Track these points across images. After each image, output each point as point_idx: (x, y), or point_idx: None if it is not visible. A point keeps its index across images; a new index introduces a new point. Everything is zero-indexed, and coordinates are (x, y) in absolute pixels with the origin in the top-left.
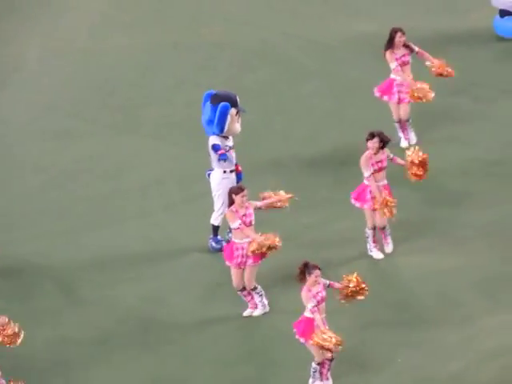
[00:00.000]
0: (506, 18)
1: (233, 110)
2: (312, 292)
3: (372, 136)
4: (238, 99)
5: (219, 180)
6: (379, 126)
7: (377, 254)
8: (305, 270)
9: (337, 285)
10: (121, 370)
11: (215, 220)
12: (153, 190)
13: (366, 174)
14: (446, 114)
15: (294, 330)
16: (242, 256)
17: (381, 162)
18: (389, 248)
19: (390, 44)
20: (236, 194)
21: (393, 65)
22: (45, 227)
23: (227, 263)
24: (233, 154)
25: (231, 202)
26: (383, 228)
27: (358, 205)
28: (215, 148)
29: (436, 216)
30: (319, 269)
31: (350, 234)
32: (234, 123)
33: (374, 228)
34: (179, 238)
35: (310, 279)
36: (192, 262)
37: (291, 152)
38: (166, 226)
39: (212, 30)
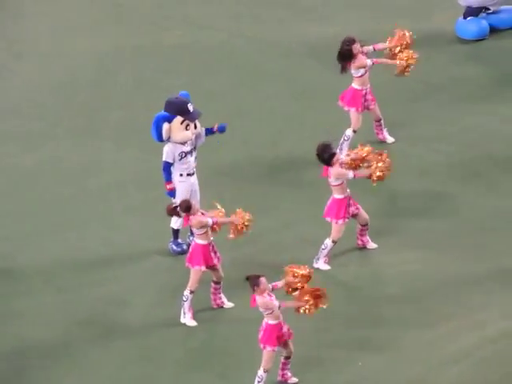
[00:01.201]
0: (468, 19)
1: (177, 119)
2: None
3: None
4: (190, 106)
5: (176, 183)
6: (339, 130)
7: (324, 266)
8: (250, 284)
9: (279, 284)
10: (83, 372)
11: (174, 223)
12: (114, 193)
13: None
14: (408, 117)
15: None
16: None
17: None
18: (372, 244)
19: (351, 57)
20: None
21: (358, 72)
22: (6, 230)
23: (196, 267)
24: (191, 158)
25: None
26: (366, 224)
27: (332, 220)
28: (164, 168)
29: (398, 218)
30: (262, 276)
31: (311, 237)
32: (180, 131)
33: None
34: (140, 241)
35: (260, 289)
36: (153, 265)
37: (251, 155)
38: (127, 229)
39: (172, 33)
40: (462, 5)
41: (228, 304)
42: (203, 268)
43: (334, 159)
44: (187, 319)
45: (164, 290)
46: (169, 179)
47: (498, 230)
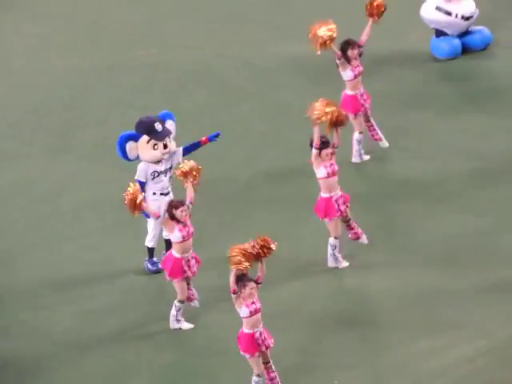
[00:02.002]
0: (441, 38)
1: (143, 138)
2: (246, 302)
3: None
4: (158, 125)
5: (149, 202)
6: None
7: (344, 263)
8: (239, 282)
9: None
10: None
11: (149, 242)
12: (89, 212)
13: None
14: (385, 136)
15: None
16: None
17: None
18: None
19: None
20: (176, 208)
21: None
22: None
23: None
24: (164, 178)
25: (171, 217)
26: (349, 220)
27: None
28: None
29: (373, 235)
30: (254, 281)
31: (287, 254)
32: (147, 151)
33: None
34: (115, 259)
35: (245, 292)
36: (128, 284)
37: (226, 173)
38: (102, 248)
39: (147, 52)
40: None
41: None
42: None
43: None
44: (183, 324)
45: (139, 309)
46: (143, 186)
47: (473, 247)
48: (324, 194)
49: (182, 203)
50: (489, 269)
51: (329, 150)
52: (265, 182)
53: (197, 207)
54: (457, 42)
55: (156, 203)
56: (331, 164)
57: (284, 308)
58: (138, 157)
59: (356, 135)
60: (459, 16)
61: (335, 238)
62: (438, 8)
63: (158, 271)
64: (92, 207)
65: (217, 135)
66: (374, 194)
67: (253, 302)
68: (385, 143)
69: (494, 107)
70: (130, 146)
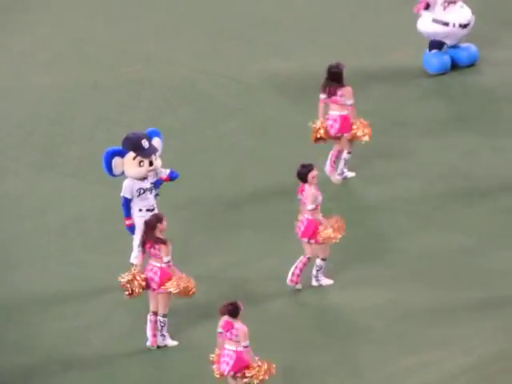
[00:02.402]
0: (433, 52)
1: (129, 154)
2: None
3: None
4: (145, 142)
5: (135, 218)
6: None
7: (328, 281)
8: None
9: None
10: None
11: (134, 259)
12: (74, 229)
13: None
14: (371, 153)
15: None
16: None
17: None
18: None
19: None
20: (159, 222)
21: (351, 100)
22: None
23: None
24: (150, 195)
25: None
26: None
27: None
28: (123, 204)
29: (358, 253)
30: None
31: (272, 272)
32: (133, 167)
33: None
34: (100, 276)
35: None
36: (113, 301)
37: (212, 191)
38: (87, 265)
39: (132, 69)
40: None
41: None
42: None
43: (309, 176)
44: (168, 340)
45: (123, 326)
46: (127, 215)
47: (458, 264)
48: (309, 216)
49: (161, 218)
50: (473, 286)
51: (315, 173)
52: (250, 199)
53: (182, 224)
54: (447, 57)
55: (142, 219)
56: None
57: (270, 326)
58: (123, 173)
59: (344, 154)
60: (457, 25)
61: (323, 259)
62: (434, 20)
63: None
64: (77, 223)
65: (176, 176)
66: (359, 211)
67: None
68: (336, 176)
69: (479, 125)
70: (115, 161)
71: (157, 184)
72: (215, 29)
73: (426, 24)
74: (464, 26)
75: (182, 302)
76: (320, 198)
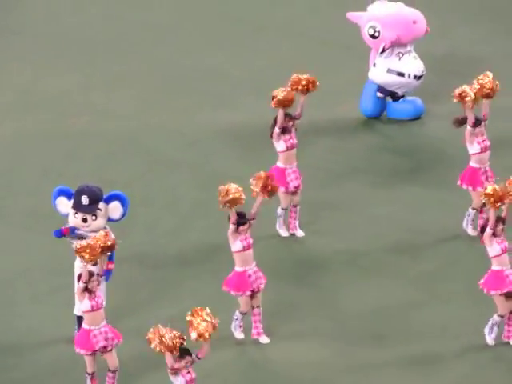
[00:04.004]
0: (400, 100)
1: (71, 201)
2: (182, 372)
3: None
4: (86, 199)
5: (76, 268)
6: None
7: (240, 335)
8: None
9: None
10: None
11: (78, 311)
12: (20, 280)
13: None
14: (317, 206)
15: None
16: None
17: None
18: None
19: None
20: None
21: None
22: None
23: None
24: None
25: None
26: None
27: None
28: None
29: (301, 305)
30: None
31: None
32: (71, 214)
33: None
34: (44, 329)
35: (182, 363)
36: (57, 353)
37: (156, 243)
38: (31, 317)
39: (78, 120)
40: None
41: None
42: None
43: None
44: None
45: (66, 379)
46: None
47: (403, 318)
48: (238, 268)
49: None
50: (415, 340)
51: (246, 226)
52: (196, 252)
53: (126, 277)
54: (383, 102)
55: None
56: (246, 237)
57: (211, 379)
58: (67, 214)
59: (278, 210)
60: (412, 76)
61: (241, 312)
62: (389, 70)
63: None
64: (23, 275)
65: (108, 276)
66: (303, 263)
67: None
68: (300, 233)
69: (426, 178)
70: (59, 200)
71: (106, 274)
72: (161, 81)
73: (380, 73)
74: (418, 78)
75: (130, 355)
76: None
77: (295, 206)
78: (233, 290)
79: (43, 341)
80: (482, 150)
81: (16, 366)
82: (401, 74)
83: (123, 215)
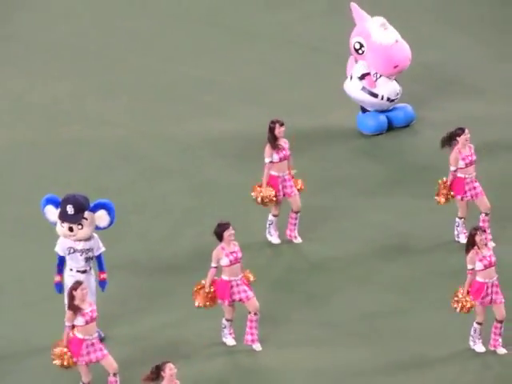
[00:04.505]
0: (368, 113)
1: (57, 210)
2: None
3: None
4: (71, 209)
5: (65, 277)
6: (239, 225)
7: (231, 341)
8: (158, 371)
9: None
10: None
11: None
12: (12, 288)
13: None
14: (306, 213)
15: None
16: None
17: None
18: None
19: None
20: (75, 289)
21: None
22: None
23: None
24: (80, 257)
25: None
26: (256, 313)
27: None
28: (57, 261)
29: (294, 313)
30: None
31: (209, 333)
32: (58, 225)
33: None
34: (36, 336)
35: (167, 376)
36: (48, 362)
37: (148, 250)
38: (23, 325)
39: (70, 128)
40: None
41: None
42: None
43: (225, 235)
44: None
45: None
46: (58, 271)
47: (393, 325)
48: (224, 277)
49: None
50: (406, 346)
51: (231, 231)
52: (188, 260)
53: (119, 284)
54: (383, 117)
55: (71, 279)
56: (232, 252)
57: None
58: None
59: (270, 216)
60: (385, 98)
61: (226, 319)
62: (363, 89)
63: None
64: (15, 283)
65: (105, 285)
66: (294, 271)
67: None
68: (298, 239)
69: (417, 186)
70: (47, 208)
71: (102, 285)
72: (152, 89)
73: (354, 90)
74: (392, 101)
75: (123, 362)
76: (239, 255)
77: (295, 212)
78: (216, 296)
79: (35, 349)
80: (467, 165)
81: (8, 373)
82: (374, 95)
83: (111, 223)
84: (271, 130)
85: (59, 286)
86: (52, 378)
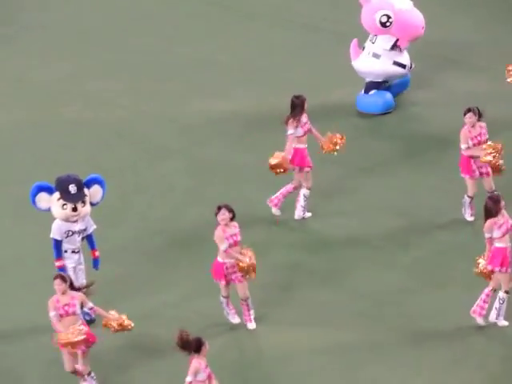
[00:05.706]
0: (371, 93)
1: (55, 194)
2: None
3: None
4: (73, 188)
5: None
6: (240, 204)
7: (235, 319)
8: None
9: None
10: None
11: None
12: (13, 268)
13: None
14: (310, 192)
15: None
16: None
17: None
18: (252, 325)
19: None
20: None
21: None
22: None
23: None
24: (78, 238)
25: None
26: (246, 299)
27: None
28: (53, 245)
29: (293, 291)
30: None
31: (210, 311)
32: (57, 208)
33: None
34: (39, 316)
35: (203, 352)
36: (47, 342)
37: (151, 230)
38: (25, 305)
39: (71, 109)
40: (366, 79)
41: None
42: None
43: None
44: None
45: (59, 366)
46: (58, 256)
47: (396, 303)
48: (219, 259)
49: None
50: (409, 324)
51: (222, 216)
52: (189, 239)
53: (121, 264)
54: (389, 95)
55: (67, 262)
56: (232, 235)
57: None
58: (49, 209)
59: (304, 191)
60: (408, 67)
61: (222, 296)
62: (395, 63)
63: (91, 321)
64: (16, 263)
65: (97, 263)
66: (296, 250)
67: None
68: (277, 212)
69: (417, 164)
70: (40, 196)
71: (95, 263)
72: (153, 69)
73: (385, 65)
74: (410, 68)
75: (122, 341)
76: (238, 238)
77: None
78: (212, 275)
79: (39, 328)
80: (474, 145)
81: (4, 353)
82: (403, 66)
83: (102, 198)
84: (301, 104)
85: (63, 270)
86: (53, 357)
